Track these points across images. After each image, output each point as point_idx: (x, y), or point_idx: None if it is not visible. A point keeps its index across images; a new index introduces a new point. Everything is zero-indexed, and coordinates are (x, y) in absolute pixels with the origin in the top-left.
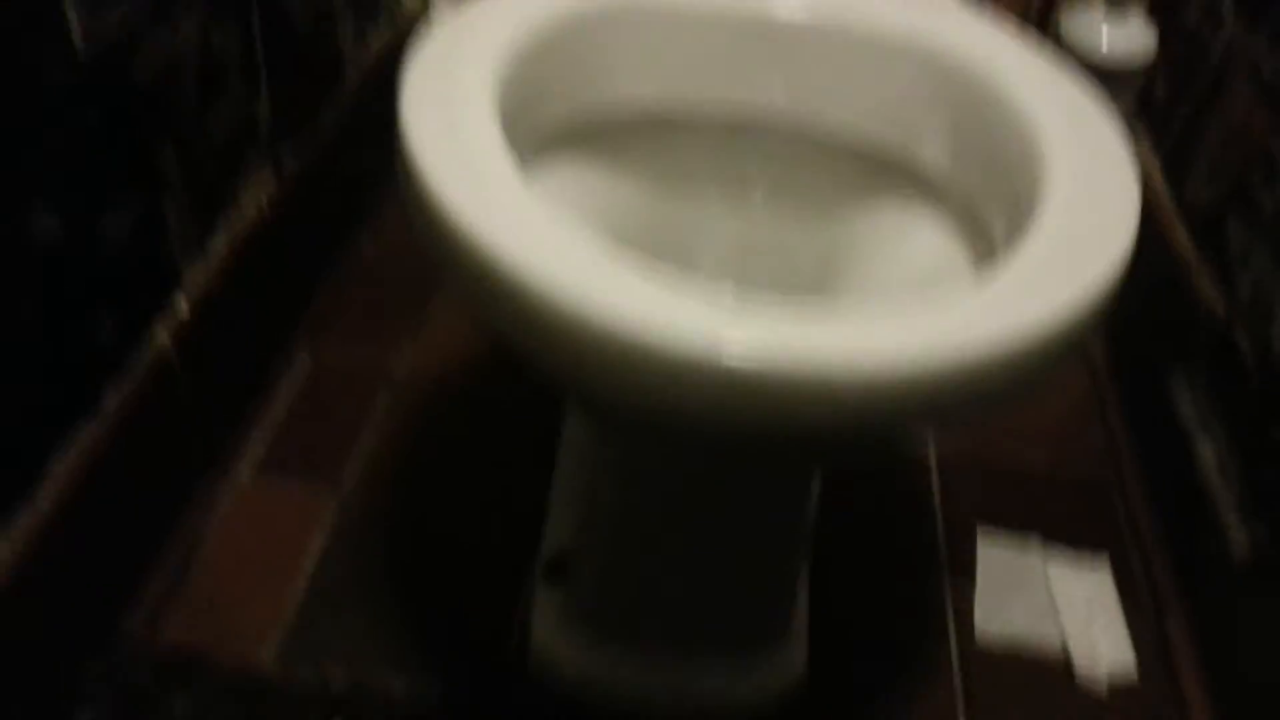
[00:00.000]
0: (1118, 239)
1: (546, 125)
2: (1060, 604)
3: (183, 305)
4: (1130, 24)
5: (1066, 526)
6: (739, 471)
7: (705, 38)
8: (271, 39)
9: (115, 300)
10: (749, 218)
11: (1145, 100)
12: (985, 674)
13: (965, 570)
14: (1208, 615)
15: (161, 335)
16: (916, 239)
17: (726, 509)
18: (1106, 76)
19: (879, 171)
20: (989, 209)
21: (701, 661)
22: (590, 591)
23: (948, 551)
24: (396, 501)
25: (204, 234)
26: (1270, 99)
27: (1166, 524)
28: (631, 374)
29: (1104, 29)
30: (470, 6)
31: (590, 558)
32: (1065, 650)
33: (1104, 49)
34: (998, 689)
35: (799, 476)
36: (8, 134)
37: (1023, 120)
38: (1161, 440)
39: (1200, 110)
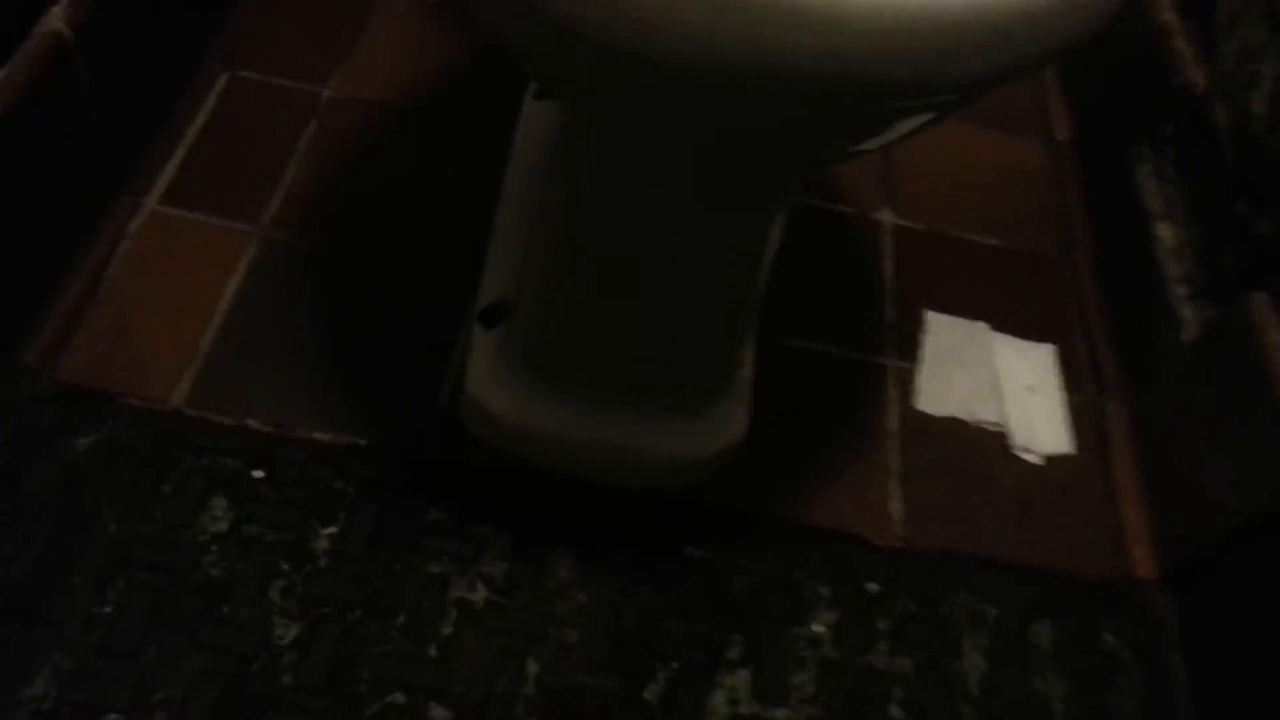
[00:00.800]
0: None
1: None
2: (1003, 383)
3: None
4: None
5: (1016, 306)
6: (709, 190)
7: None
8: None
9: None
10: None
11: None
12: (922, 446)
13: (911, 345)
14: (1148, 400)
15: (56, 18)
16: None
17: (681, 246)
18: None
19: None
20: None
21: (638, 416)
22: (529, 335)
23: (896, 325)
24: (322, 237)
25: None
26: None
27: (1115, 308)
28: None
29: None
30: None
31: (531, 298)
32: (1004, 429)
33: None
34: (933, 462)
35: (778, 185)
36: None
37: None
38: (1120, 221)
39: None
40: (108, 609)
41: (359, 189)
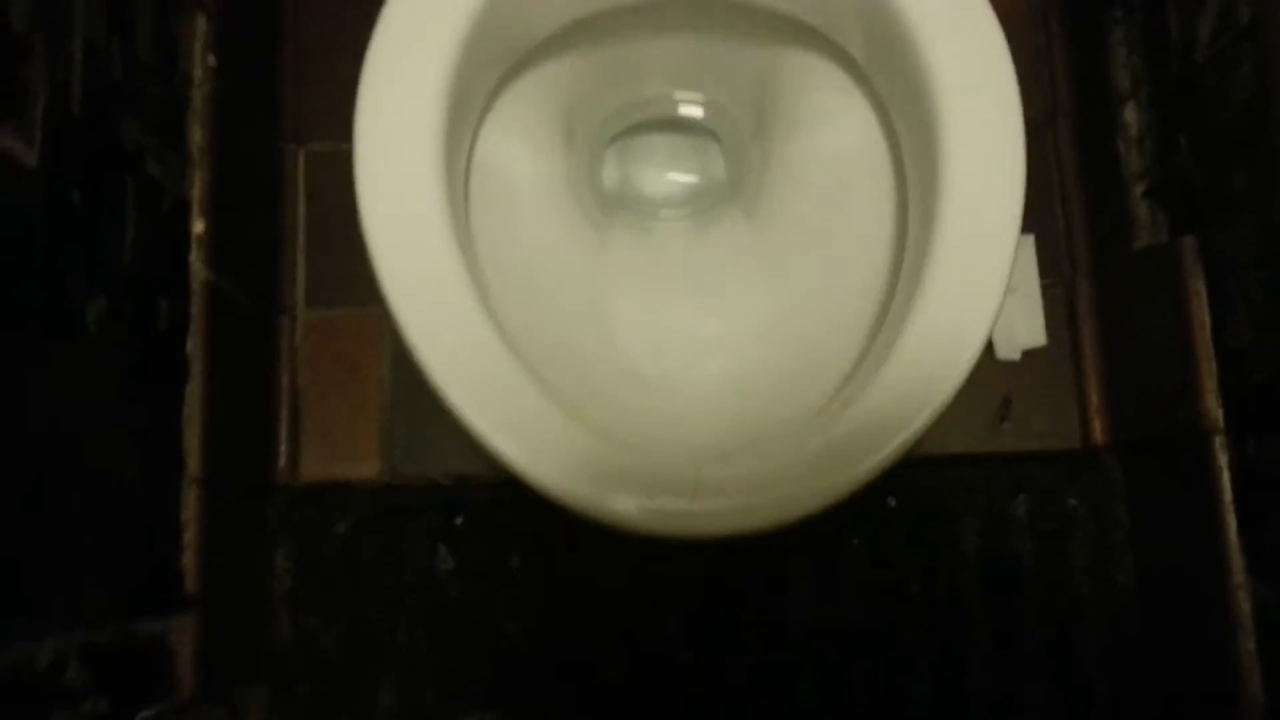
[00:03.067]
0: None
1: (497, 70)
2: None
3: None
4: None
5: None
6: None
7: None
8: None
9: None
10: (686, 50)
11: None
12: None
13: None
14: (1107, 286)
15: (197, 261)
16: (840, 119)
17: None
18: None
19: (807, 39)
20: (899, 127)
21: None
22: None
23: None
24: None
25: None
26: None
27: (1090, 187)
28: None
29: None
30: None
31: None
32: None
33: None
34: None
35: None
36: None
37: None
38: (1095, 91)
39: None
40: (400, 638)
41: None
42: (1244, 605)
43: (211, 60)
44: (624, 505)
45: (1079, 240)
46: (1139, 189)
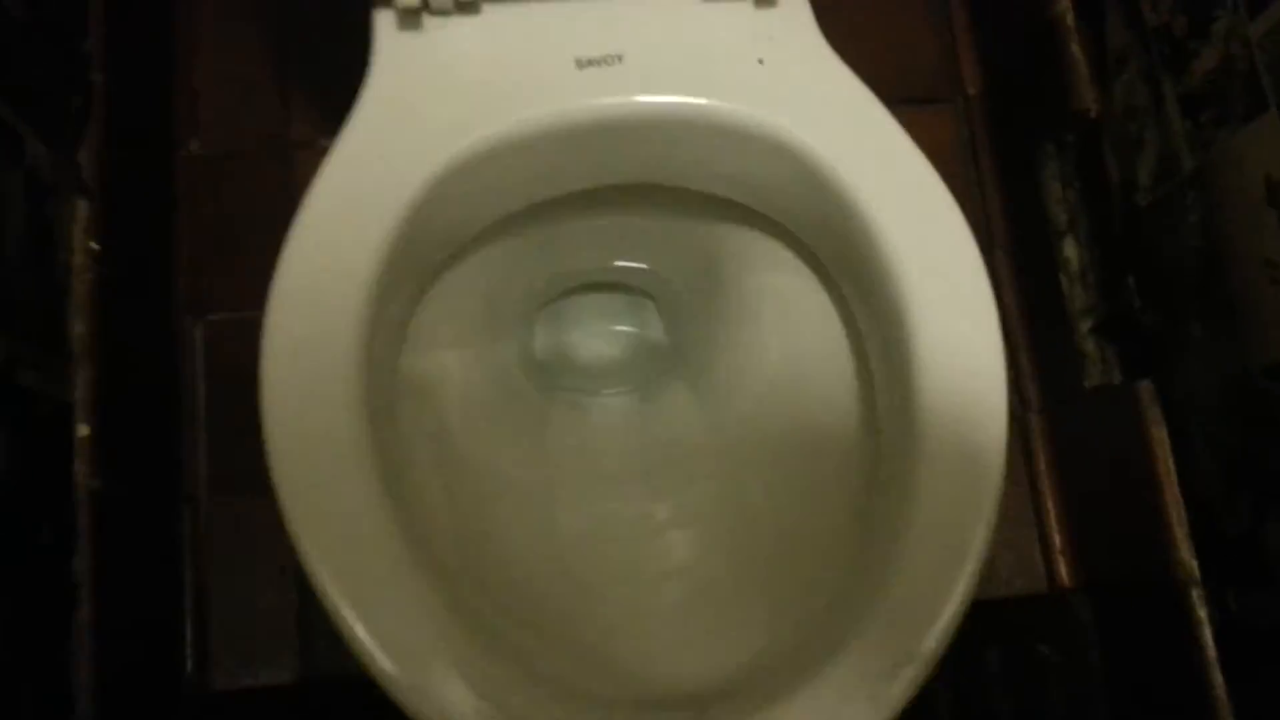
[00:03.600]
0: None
1: (432, 262)
2: None
3: None
4: None
5: None
6: None
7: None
8: None
9: None
10: (626, 226)
11: None
12: None
13: None
14: (1062, 425)
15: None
16: (792, 302)
17: None
18: None
19: (753, 219)
20: (857, 312)
21: None
22: None
23: None
24: None
25: None
26: None
27: (1032, 322)
28: None
29: None
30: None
31: None
32: None
33: None
34: None
35: None
36: None
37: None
38: (1030, 228)
39: None
40: None
41: None
42: None
43: (94, 245)
44: None
45: (1026, 376)
46: (1085, 324)
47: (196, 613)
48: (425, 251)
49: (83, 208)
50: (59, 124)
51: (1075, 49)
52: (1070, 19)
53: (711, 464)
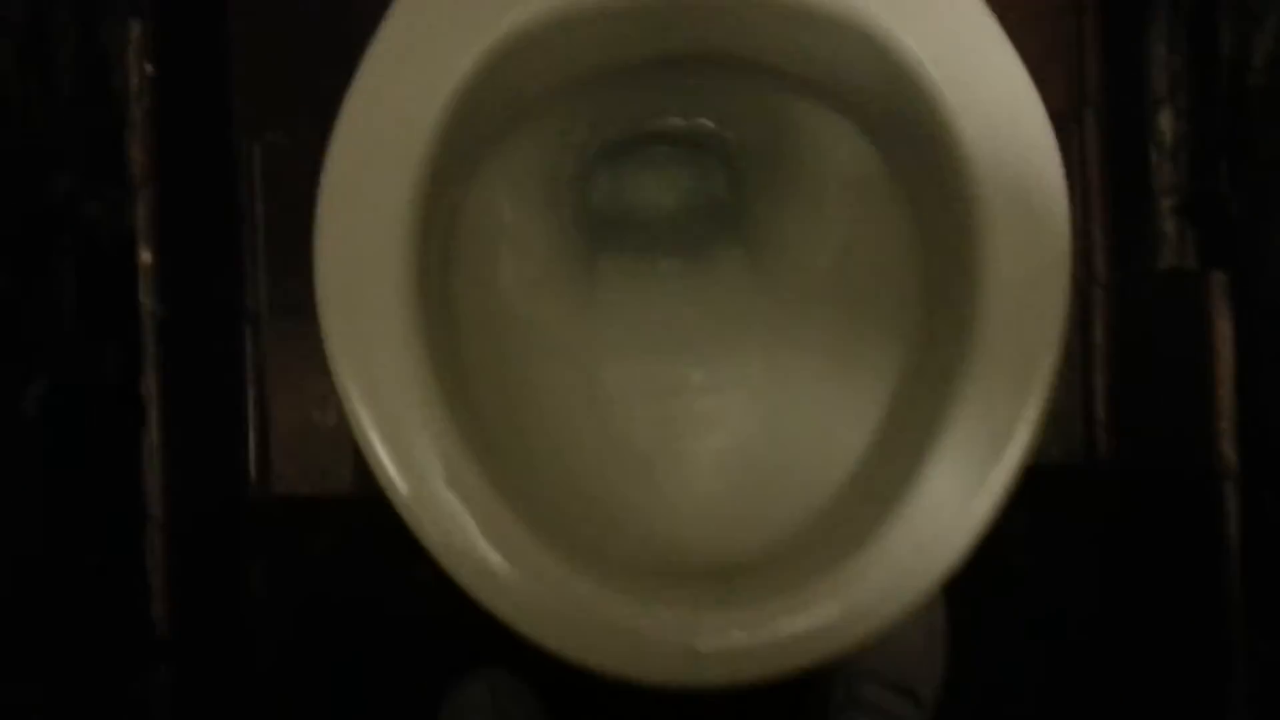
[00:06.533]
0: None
1: (496, 120)
2: None
3: None
4: None
5: None
6: None
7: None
8: None
9: None
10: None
11: None
12: None
13: None
14: (1127, 304)
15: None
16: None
17: None
18: None
19: (826, 98)
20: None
21: None
22: None
23: None
24: None
25: None
26: None
27: (1114, 192)
28: None
29: None
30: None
31: None
32: None
33: None
34: None
35: None
36: None
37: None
38: (1128, 90)
39: None
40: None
41: None
42: (1241, 656)
43: (149, 68)
44: (614, 665)
45: (1097, 246)
46: (1168, 203)
47: (260, 428)
48: (490, 109)
49: (136, 28)
50: None
51: None
52: None
53: (761, 336)
